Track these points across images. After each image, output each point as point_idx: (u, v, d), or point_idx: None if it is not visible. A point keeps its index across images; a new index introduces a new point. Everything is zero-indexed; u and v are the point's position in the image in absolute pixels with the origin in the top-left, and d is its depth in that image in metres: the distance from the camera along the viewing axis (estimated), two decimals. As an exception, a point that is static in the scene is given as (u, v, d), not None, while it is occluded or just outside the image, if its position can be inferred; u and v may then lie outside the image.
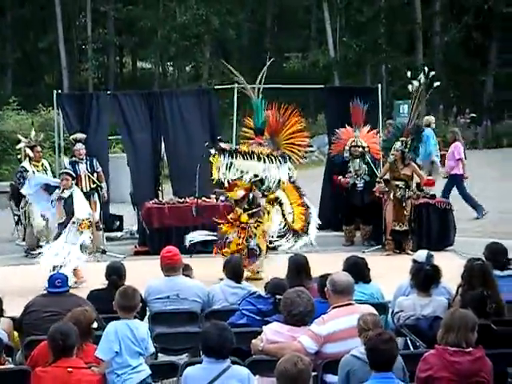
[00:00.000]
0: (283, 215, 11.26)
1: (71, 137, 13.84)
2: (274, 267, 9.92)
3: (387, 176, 13.00)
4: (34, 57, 36.10)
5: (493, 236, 12.15)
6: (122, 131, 14.35)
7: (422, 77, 12.85)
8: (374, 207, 13.29)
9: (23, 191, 11.93)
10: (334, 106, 14.80)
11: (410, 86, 12.98)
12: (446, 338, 5.67)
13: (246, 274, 9.81)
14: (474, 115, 29.63)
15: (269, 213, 11.23)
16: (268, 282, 7.31)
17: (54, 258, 10.63)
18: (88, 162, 13.35)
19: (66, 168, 12.48)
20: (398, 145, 12.88)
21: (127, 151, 14.45)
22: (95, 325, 6.35)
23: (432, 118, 18.40)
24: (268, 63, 11.53)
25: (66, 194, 11.11)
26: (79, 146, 13.48)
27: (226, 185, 11.09)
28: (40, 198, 11.36)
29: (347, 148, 13.69)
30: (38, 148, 13.76)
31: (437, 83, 12.98)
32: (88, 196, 12.59)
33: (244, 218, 11.09)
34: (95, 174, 13.20)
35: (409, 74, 13.24)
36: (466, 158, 15.72)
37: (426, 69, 13.07)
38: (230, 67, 11.85)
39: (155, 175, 14.42)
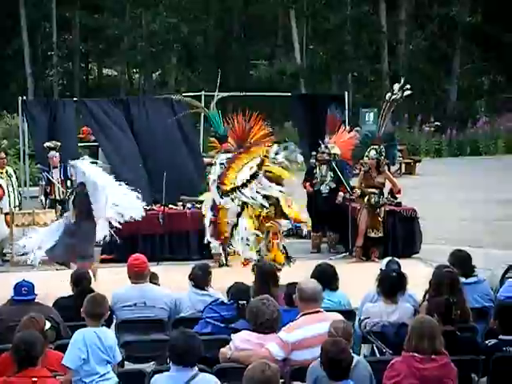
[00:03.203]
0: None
1: (45, 144, 13.71)
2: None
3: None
4: (-2, 63, 35.71)
5: (457, 244, 12.24)
6: (99, 136, 14.19)
7: (397, 86, 12.91)
8: (341, 214, 13.33)
9: None
10: (301, 113, 14.85)
11: (388, 95, 13.02)
12: (421, 346, 5.67)
13: None
14: (438, 124, 29.87)
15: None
16: (230, 287, 7.29)
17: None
18: (61, 169, 13.27)
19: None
20: (372, 153, 12.87)
21: (108, 156, 14.12)
22: (48, 325, 6.29)
23: None
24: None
25: None
26: (53, 153, 13.40)
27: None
28: None
29: (313, 154, 13.70)
30: (2, 154, 13.64)
31: (407, 92, 12.91)
32: (62, 203, 12.52)
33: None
34: (68, 181, 13.11)
35: (396, 86, 13.04)
36: None
37: (403, 80, 13.16)
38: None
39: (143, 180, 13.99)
